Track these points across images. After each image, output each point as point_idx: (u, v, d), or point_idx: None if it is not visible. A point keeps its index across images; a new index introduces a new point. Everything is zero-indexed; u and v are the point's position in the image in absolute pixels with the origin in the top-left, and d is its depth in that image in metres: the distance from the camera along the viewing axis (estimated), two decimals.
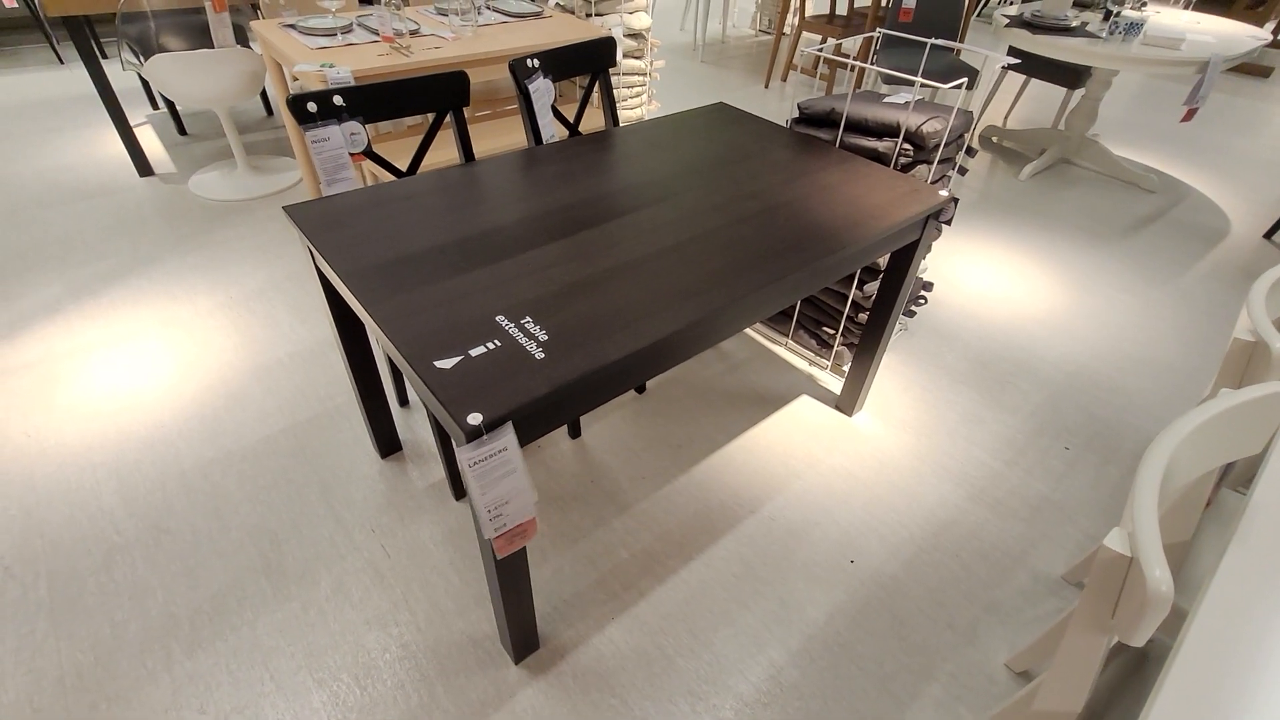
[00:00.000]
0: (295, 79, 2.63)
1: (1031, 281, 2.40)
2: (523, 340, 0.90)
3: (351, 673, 1.18)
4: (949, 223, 1.41)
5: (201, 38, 2.64)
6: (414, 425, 1.69)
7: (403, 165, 2.11)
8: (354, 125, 1.33)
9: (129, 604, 1.27)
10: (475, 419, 0.77)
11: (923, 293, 1.96)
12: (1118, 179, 3.22)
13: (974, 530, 1.48)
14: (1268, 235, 2.76)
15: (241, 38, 2.57)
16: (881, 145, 1.54)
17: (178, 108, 3.24)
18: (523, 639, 1.18)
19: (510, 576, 1.04)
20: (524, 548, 0.99)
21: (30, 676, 1.15)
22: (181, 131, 3.18)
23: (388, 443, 1.59)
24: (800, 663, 1.22)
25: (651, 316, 0.96)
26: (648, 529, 1.45)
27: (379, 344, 0.93)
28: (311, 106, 1.25)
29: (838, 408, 1.80)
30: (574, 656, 1.22)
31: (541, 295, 1.00)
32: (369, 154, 1.36)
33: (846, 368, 1.87)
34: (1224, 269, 2.54)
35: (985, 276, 2.40)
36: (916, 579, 1.37)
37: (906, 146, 1.51)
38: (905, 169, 1.55)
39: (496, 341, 0.89)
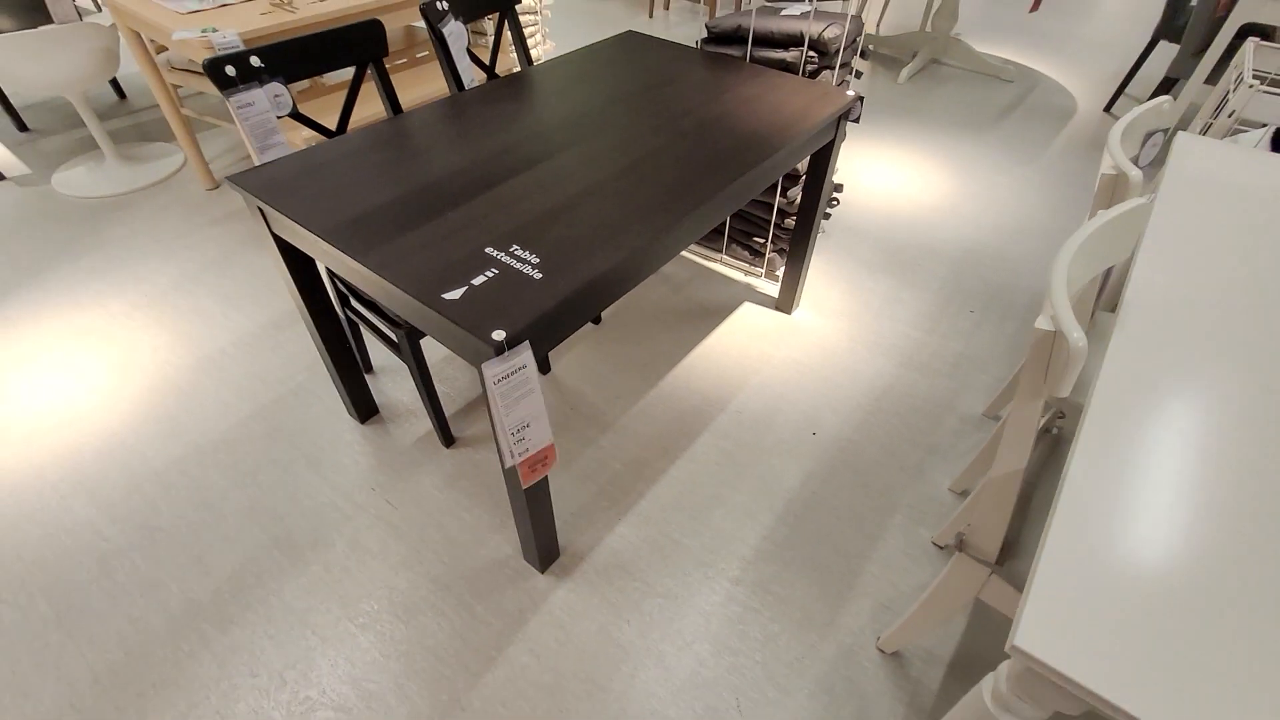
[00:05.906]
0: (162, 51, 2.39)
1: (924, 175, 2.65)
2: (517, 265, 0.97)
3: (391, 612, 1.25)
4: (858, 120, 1.56)
5: (32, 15, 2.34)
6: (384, 389, 1.71)
7: (330, 125, 2.02)
8: (276, 87, 1.29)
9: (142, 600, 1.26)
10: (499, 334, 0.85)
11: (835, 194, 2.14)
12: (981, 73, 3.53)
13: (908, 390, 1.71)
14: (1107, 108, 3.15)
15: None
16: (789, 55, 1.65)
17: (11, 101, 2.87)
18: (546, 550, 1.29)
19: (537, 491, 1.14)
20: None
21: (62, 684, 1.15)
22: (21, 128, 2.83)
23: (365, 408, 1.61)
24: (787, 521, 1.41)
25: (626, 230, 1.05)
26: (632, 441, 1.58)
27: (376, 290, 0.96)
28: (230, 70, 1.21)
29: (777, 308, 1.97)
30: (592, 557, 1.35)
31: (520, 225, 1.06)
32: (295, 115, 1.33)
33: (780, 272, 2.03)
34: (1075, 143, 2.90)
35: (883, 175, 2.62)
36: (868, 438, 1.59)
37: (811, 54, 1.64)
38: (812, 75, 1.68)
39: (493, 270, 0.96)
